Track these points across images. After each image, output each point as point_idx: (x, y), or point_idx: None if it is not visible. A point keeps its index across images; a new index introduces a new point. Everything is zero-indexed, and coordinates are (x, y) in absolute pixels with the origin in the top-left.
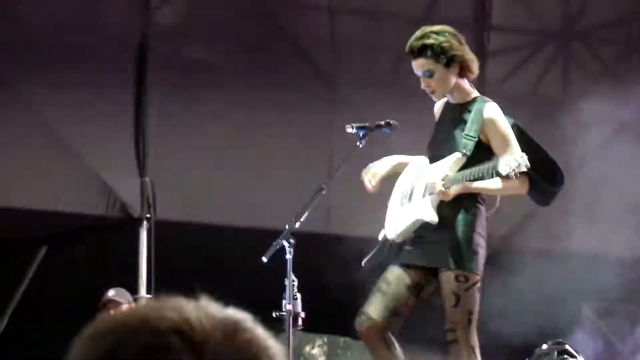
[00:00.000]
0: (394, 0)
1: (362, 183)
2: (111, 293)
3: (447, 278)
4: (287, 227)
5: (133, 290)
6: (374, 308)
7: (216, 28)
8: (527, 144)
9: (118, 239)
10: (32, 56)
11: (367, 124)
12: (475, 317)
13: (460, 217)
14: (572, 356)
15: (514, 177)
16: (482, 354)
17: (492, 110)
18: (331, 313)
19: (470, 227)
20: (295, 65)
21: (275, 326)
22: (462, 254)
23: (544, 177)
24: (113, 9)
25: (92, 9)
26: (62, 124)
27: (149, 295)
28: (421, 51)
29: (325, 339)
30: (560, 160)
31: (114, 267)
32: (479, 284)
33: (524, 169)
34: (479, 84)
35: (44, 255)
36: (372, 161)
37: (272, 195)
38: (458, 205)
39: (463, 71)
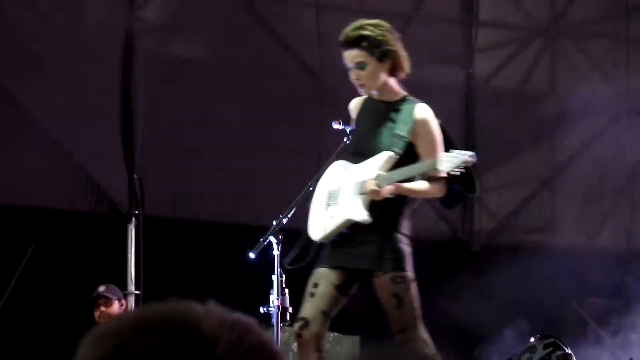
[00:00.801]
0: None
1: None
2: (102, 289)
3: (384, 281)
4: (274, 223)
5: (122, 286)
6: (310, 312)
7: (202, 23)
8: (449, 146)
9: (106, 236)
10: (18, 53)
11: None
12: (419, 312)
13: (388, 218)
14: (560, 348)
15: (455, 174)
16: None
17: (424, 111)
18: None
19: (398, 228)
20: (283, 61)
21: (263, 322)
22: (394, 256)
23: (463, 182)
24: (98, 4)
25: (78, 4)
26: (49, 120)
27: (138, 292)
28: (356, 42)
29: None
30: (547, 155)
31: (103, 264)
32: (414, 281)
33: (470, 165)
34: (467, 80)
35: (32, 253)
36: None
37: (260, 192)
38: (386, 207)
39: (395, 69)
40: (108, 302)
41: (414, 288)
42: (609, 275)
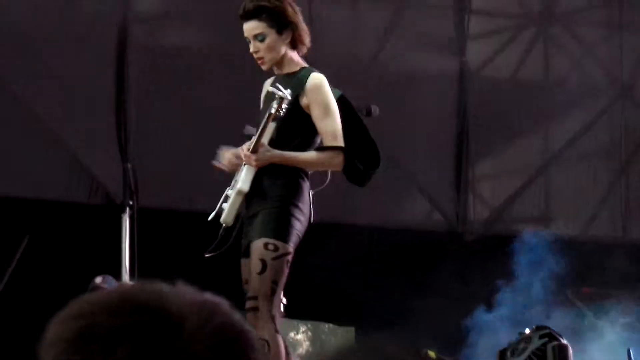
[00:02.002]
0: None
1: None
2: (98, 280)
3: (256, 245)
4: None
5: (116, 277)
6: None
7: (196, 13)
8: (350, 120)
9: (101, 226)
10: (10, 42)
11: None
12: (280, 288)
13: (278, 187)
14: (555, 339)
15: (280, 112)
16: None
17: (316, 78)
18: (314, 299)
19: (287, 197)
20: None
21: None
22: (273, 223)
23: (361, 156)
24: None
25: None
26: (42, 109)
27: (133, 282)
28: (255, 13)
29: (309, 325)
30: (541, 143)
31: (97, 254)
32: (289, 257)
33: (284, 102)
34: (460, 68)
35: (27, 244)
36: None
37: None
38: (277, 176)
39: (295, 42)
40: None
41: (284, 262)
42: (605, 264)
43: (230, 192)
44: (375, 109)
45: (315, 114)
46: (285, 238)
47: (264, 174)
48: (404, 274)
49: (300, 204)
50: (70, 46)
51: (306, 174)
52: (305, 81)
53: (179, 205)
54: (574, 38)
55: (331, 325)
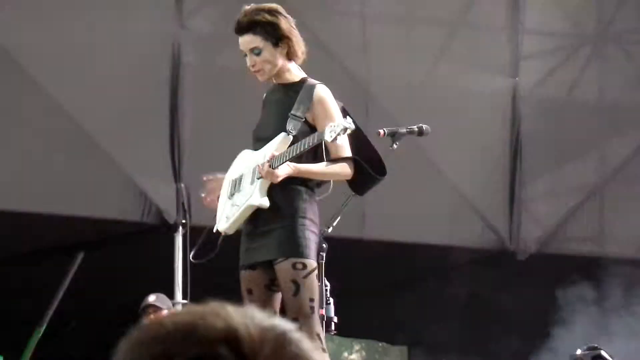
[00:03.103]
0: (427, 5)
1: (391, 187)
2: (151, 298)
3: (284, 267)
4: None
5: (169, 295)
6: None
7: None
8: (356, 132)
9: (154, 245)
10: (65, 63)
11: (399, 129)
12: (317, 304)
13: (290, 203)
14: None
15: (338, 138)
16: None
17: (322, 91)
18: (368, 318)
19: (300, 212)
20: (328, 71)
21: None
22: (295, 242)
23: (370, 164)
24: (145, 14)
25: (126, 15)
26: (98, 130)
27: (185, 301)
28: (249, 27)
29: (363, 344)
30: (595, 163)
31: (150, 273)
32: (316, 271)
33: (349, 131)
34: (513, 88)
35: (81, 262)
36: (404, 166)
37: None
38: (289, 192)
39: (290, 54)
40: (158, 312)
41: (314, 277)
42: None
43: (230, 201)
44: (427, 129)
45: (322, 126)
46: (309, 254)
47: (273, 188)
48: (456, 292)
49: (313, 217)
50: (124, 67)
51: (316, 185)
52: (313, 93)
53: None
54: (628, 57)
55: (384, 344)
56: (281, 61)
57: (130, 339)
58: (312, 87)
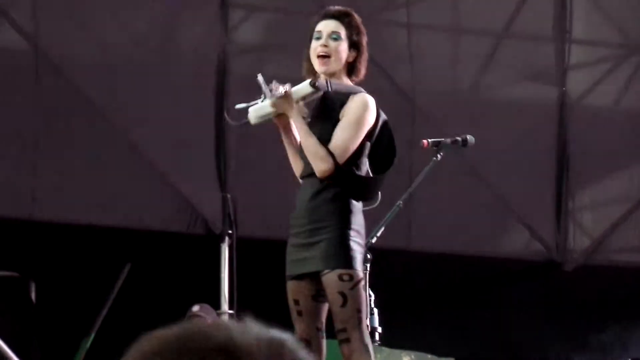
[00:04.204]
0: (472, 15)
1: (436, 198)
2: (195, 308)
3: (331, 278)
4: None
5: (215, 306)
6: (307, 332)
7: (295, 44)
8: (389, 147)
9: (200, 255)
10: (114, 75)
11: (443, 140)
12: (364, 315)
13: (337, 215)
14: None
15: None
16: None
17: (361, 96)
18: (416, 329)
19: (344, 223)
20: (374, 80)
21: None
22: (341, 253)
23: (377, 163)
24: (192, 27)
25: (171, 28)
26: (144, 141)
27: (231, 311)
28: (339, 16)
29: (412, 356)
30: None
31: (197, 284)
32: (362, 282)
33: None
34: (560, 97)
35: (127, 273)
36: (450, 176)
37: None
38: (334, 204)
39: (354, 67)
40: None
41: (360, 288)
42: None
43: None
44: (471, 139)
45: (341, 123)
46: (354, 265)
47: (318, 199)
48: (503, 303)
49: (357, 227)
50: (170, 79)
51: (359, 196)
52: (353, 96)
53: (278, 235)
54: None
55: (433, 356)
56: (343, 65)
57: (129, 355)
58: (356, 93)
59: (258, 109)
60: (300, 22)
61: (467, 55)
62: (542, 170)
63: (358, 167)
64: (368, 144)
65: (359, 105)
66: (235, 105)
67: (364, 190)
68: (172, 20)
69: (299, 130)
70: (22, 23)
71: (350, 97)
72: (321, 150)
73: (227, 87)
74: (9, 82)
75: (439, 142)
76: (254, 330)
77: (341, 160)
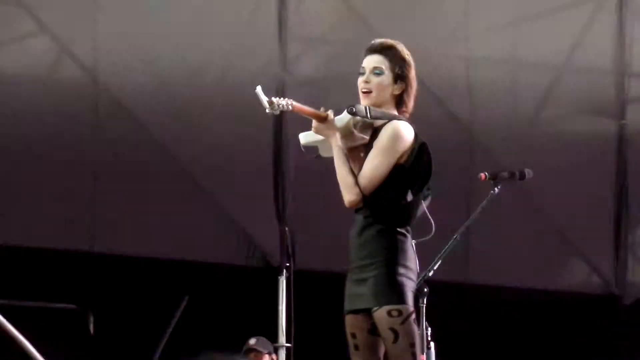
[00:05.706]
0: (532, 47)
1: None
2: (252, 342)
3: (380, 315)
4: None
5: (272, 339)
6: None
7: (352, 77)
8: (424, 165)
9: (258, 288)
10: (174, 107)
11: (500, 173)
12: (418, 349)
13: (382, 251)
14: None
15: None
16: None
17: (395, 123)
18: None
19: (392, 260)
20: (432, 112)
21: None
22: (387, 290)
23: (418, 187)
24: (250, 59)
25: (230, 60)
26: (202, 173)
27: (288, 344)
28: (382, 50)
29: None
30: None
31: (254, 316)
32: (413, 315)
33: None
34: (619, 130)
35: (186, 305)
36: (508, 209)
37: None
38: (377, 242)
39: (402, 99)
40: (258, 356)
41: (411, 322)
42: None
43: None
44: (529, 172)
45: (371, 152)
46: (403, 300)
47: (364, 235)
48: (561, 336)
49: (406, 262)
50: (228, 112)
51: (406, 230)
52: (387, 124)
53: (335, 268)
54: None
55: None
56: (390, 98)
57: None
58: (390, 121)
59: (308, 133)
60: (358, 54)
61: (526, 88)
62: (601, 204)
63: (388, 194)
64: (401, 170)
65: (389, 133)
66: (298, 135)
67: (395, 216)
68: (231, 53)
69: (335, 158)
70: (83, 56)
71: (385, 125)
72: (350, 180)
73: (285, 119)
74: (69, 114)
75: (497, 174)
76: None
77: (367, 190)
